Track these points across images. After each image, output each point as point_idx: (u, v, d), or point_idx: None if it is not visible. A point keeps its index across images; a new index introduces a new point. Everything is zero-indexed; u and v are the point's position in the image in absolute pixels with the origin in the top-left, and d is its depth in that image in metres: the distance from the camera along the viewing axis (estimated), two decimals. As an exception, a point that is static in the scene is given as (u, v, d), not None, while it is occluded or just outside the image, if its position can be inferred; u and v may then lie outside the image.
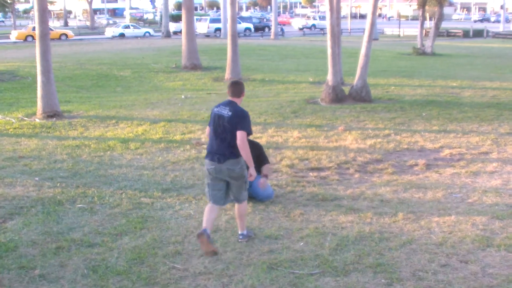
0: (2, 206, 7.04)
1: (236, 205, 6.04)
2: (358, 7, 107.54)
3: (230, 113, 5.72)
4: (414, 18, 79.19)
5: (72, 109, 14.42)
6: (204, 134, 11.00)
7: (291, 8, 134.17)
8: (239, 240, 5.98)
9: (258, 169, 7.10)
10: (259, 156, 7.13)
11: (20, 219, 6.60)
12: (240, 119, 5.70)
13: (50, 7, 69.64)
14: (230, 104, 5.82)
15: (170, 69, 23.88)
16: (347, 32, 55.05)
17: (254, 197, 7.09)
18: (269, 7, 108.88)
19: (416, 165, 9.00)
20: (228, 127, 5.70)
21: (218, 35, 51.58)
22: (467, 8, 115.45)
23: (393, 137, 10.96)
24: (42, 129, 11.88)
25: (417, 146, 10.29)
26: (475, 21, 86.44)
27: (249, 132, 5.76)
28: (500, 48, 39.28)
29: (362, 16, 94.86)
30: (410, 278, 5.10)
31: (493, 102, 15.18)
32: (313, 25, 65.65)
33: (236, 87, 5.90)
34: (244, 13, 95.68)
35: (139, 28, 56.19)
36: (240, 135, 5.66)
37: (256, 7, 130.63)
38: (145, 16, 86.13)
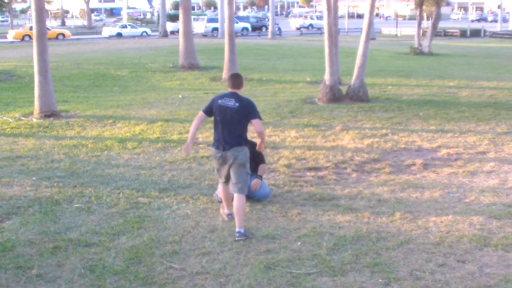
0: (-1, 206, 7.04)
1: (235, 197, 6.15)
2: (356, 6, 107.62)
3: (237, 104, 6.11)
4: (412, 18, 79.29)
5: (69, 108, 14.40)
6: (201, 134, 11.01)
7: (288, 7, 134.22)
8: (236, 238, 5.99)
9: (254, 168, 7.14)
10: (256, 156, 7.13)
11: (17, 219, 6.58)
12: (250, 109, 6.15)
13: (47, 6, 69.52)
14: (234, 95, 6.20)
15: (167, 69, 23.87)
16: (344, 32, 55.10)
17: (252, 197, 7.09)
18: (266, 6, 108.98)
19: (414, 164, 9.01)
20: (236, 117, 6.11)
21: (215, 34, 51.61)
22: (464, 7, 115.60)
23: (390, 136, 10.97)
24: (39, 129, 11.86)
25: (415, 145, 10.30)
26: (472, 21, 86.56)
27: (260, 118, 6.23)
28: (498, 47, 39.35)
29: (360, 16, 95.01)
30: (408, 277, 5.10)
31: (490, 102, 15.20)
32: (311, 25, 65.71)
33: (237, 79, 6.31)
34: (242, 13, 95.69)
35: (136, 28, 56.17)
36: (257, 123, 6.15)
37: (253, 7, 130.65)
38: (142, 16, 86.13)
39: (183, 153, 7.09)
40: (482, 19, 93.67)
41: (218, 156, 6.24)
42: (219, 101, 6.20)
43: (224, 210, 6.68)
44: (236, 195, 6.17)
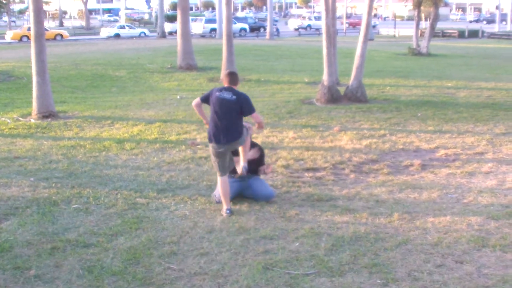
0: (-3, 207, 7.03)
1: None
2: (354, 7, 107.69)
3: (234, 97, 6.57)
4: (410, 19, 79.32)
5: (67, 109, 14.39)
6: (199, 135, 11.01)
7: (286, 8, 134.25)
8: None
9: (255, 170, 7.27)
10: (260, 160, 7.29)
11: (15, 220, 6.58)
12: (246, 103, 6.62)
13: (45, 7, 69.43)
14: (231, 89, 6.66)
15: (165, 70, 23.85)
16: (342, 33, 55.12)
17: (254, 197, 7.13)
18: (264, 7, 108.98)
19: (412, 165, 9.02)
20: (234, 108, 6.56)
21: (213, 35, 51.59)
22: (462, 8, 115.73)
23: (388, 137, 10.98)
24: (37, 130, 11.85)
25: (413, 146, 10.31)
26: (470, 22, 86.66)
27: (255, 110, 6.77)
28: (495, 48, 39.41)
29: (358, 17, 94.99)
30: (406, 278, 5.11)
31: (488, 103, 15.22)
32: (309, 26, 65.77)
33: (234, 76, 6.81)
34: (240, 14, 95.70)
35: (134, 29, 56.12)
36: (256, 116, 6.75)
37: (251, 8, 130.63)
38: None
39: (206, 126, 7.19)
40: (480, 20, 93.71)
41: (220, 151, 6.65)
42: (217, 93, 6.62)
43: (223, 208, 6.78)
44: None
